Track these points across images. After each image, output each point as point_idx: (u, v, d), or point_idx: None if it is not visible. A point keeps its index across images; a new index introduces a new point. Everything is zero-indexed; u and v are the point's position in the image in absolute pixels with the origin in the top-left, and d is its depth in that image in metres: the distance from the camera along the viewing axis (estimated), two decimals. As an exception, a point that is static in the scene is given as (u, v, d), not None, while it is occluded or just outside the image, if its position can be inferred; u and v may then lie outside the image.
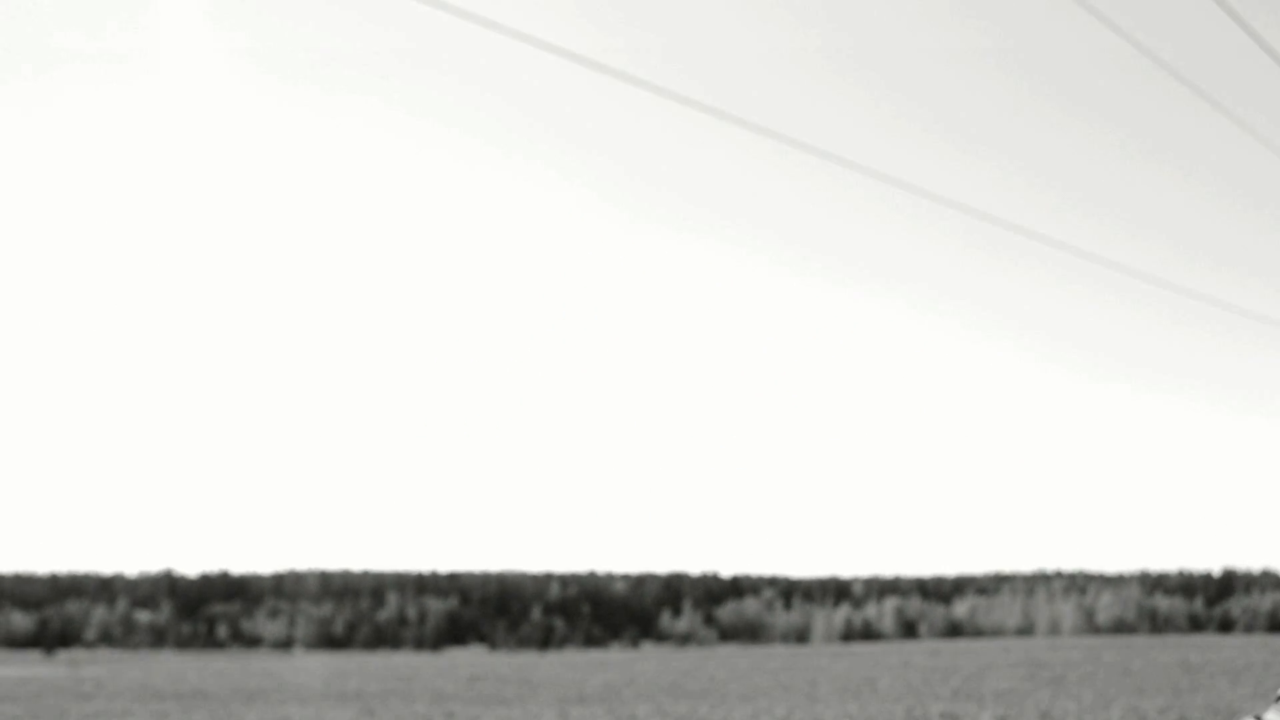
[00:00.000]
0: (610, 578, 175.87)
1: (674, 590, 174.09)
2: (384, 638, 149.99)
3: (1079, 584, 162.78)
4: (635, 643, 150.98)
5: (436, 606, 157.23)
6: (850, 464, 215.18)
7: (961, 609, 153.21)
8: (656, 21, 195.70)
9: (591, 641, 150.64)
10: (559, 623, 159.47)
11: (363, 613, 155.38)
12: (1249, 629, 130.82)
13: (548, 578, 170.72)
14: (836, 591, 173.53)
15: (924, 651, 55.98)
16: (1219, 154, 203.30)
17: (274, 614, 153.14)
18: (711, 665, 42.74)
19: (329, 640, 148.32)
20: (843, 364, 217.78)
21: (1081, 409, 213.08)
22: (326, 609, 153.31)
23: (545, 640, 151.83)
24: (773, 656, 54.51)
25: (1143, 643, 71.04)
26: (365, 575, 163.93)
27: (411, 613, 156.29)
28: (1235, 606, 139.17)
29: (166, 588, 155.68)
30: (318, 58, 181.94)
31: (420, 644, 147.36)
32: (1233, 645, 56.51)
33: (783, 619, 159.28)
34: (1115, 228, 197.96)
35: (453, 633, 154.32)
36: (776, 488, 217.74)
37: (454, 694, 26.44)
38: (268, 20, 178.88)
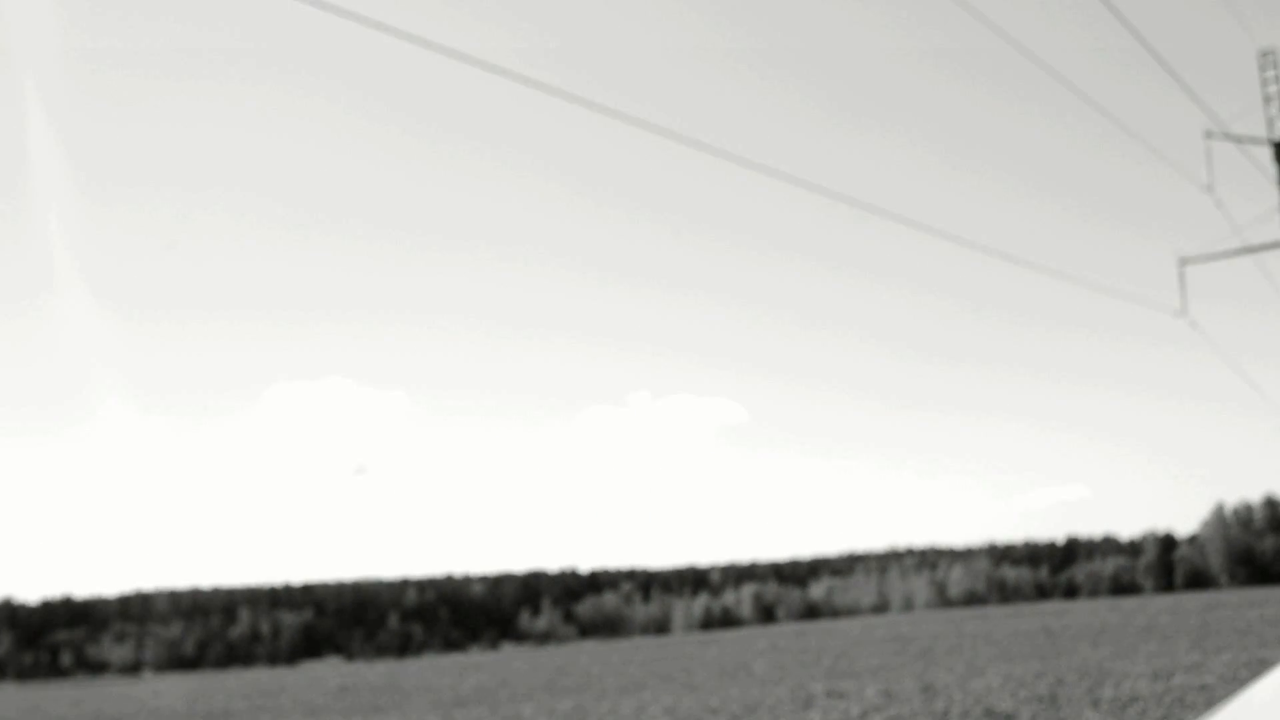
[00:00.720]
0: (468, 579, 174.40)
1: (532, 588, 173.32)
2: (237, 655, 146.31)
3: (929, 559, 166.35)
4: (495, 644, 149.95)
5: (291, 620, 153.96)
6: (701, 453, 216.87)
7: (818, 590, 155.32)
8: (555, 22, 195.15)
9: (451, 645, 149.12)
10: (417, 629, 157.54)
11: (214, 631, 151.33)
12: (1093, 593, 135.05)
13: (404, 583, 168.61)
14: (694, 580, 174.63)
15: (788, 634, 56.50)
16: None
17: (121, 638, 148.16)
18: (582, 661, 42.51)
19: (179, 661, 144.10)
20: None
21: (919, 390, 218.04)
22: (176, 629, 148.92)
23: (404, 647, 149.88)
24: (639, 649, 54.49)
25: (997, 612, 72.82)
26: (216, 592, 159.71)
27: (265, 628, 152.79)
28: (1079, 573, 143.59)
29: (6, 616, 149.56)
30: (169, 56, 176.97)
31: (275, 659, 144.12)
32: (1083, 610, 58.23)
33: (642, 611, 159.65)
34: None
35: (308, 646, 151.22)
36: (629, 479, 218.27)
37: (326, 706, 25.83)
38: (117, 20, 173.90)
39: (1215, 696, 12.39)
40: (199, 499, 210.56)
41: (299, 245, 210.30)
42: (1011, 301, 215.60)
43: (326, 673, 54.65)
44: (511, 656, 63.18)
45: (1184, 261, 47.26)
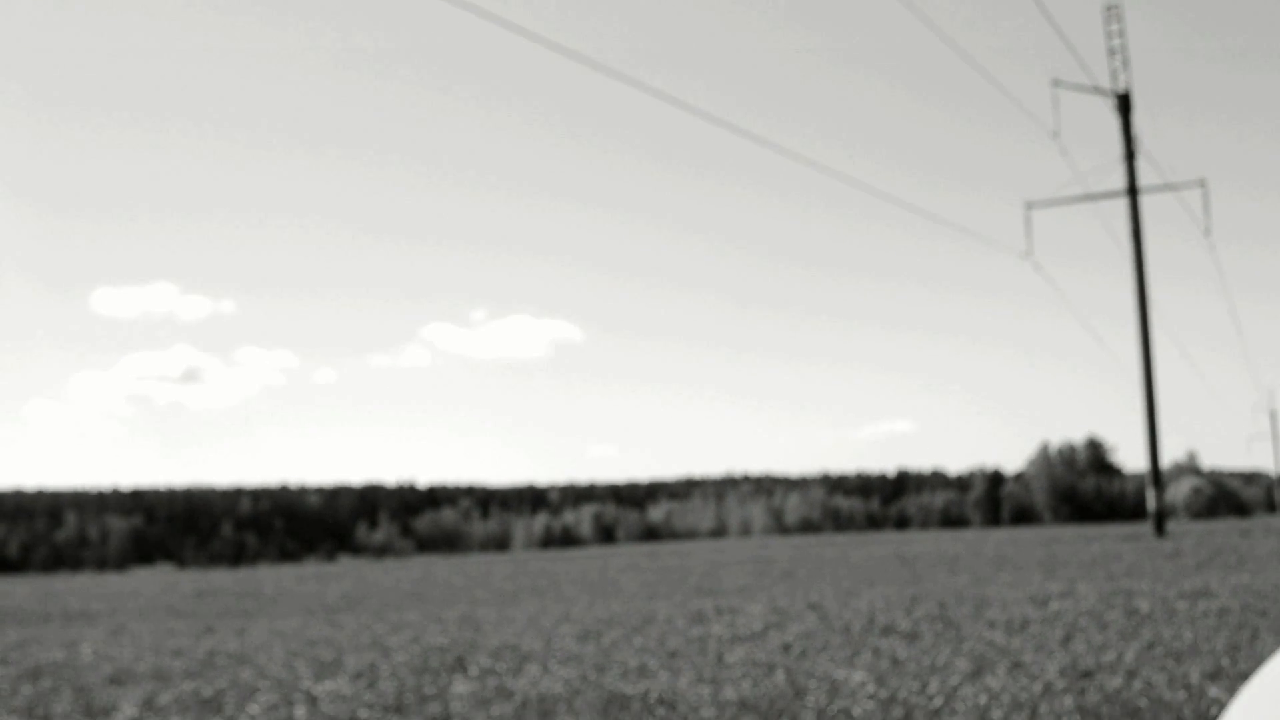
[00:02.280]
0: (303, 490, 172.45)
1: (369, 501, 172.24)
2: (63, 559, 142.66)
3: (765, 487, 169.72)
4: (331, 556, 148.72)
5: (119, 525, 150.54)
6: (542, 372, 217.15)
7: (657, 513, 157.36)
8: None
9: (286, 556, 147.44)
10: (251, 538, 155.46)
11: (39, 534, 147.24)
12: (924, 525, 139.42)
13: (237, 492, 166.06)
14: (533, 499, 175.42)
15: (640, 554, 57.20)
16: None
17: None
18: (439, 572, 42.51)
19: (2, 564, 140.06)
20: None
21: (742, 319, 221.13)
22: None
23: (237, 556, 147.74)
24: (492, 563, 54.63)
25: (841, 539, 74.71)
26: (40, 494, 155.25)
27: (93, 532, 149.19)
28: (910, 505, 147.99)
29: None
30: None
31: (103, 565, 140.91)
32: (926, 539, 60.03)
33: (480, 528, 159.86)
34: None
35: (138, 552, 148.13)
36: (469, 394, 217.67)
37: (191, 609, 25.42)
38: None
39: (1104, 621, 12.94)
40: (26, 400, 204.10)
41: (122, 143, 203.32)
42: (851, 248, 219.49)
43: (161, 579, 53.68)
44: (357, 567, 62.82)
45: (1030, 205, 48.79)
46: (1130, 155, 44.85)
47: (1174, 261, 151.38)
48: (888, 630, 13.12)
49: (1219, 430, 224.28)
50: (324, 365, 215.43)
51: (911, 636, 12.47)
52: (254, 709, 9.23)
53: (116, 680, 11.47)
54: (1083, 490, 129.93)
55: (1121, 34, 45.15)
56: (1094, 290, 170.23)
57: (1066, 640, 11.47)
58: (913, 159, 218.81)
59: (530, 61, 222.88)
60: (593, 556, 60.72)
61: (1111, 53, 45.14)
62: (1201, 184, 46.73)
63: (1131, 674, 9.05)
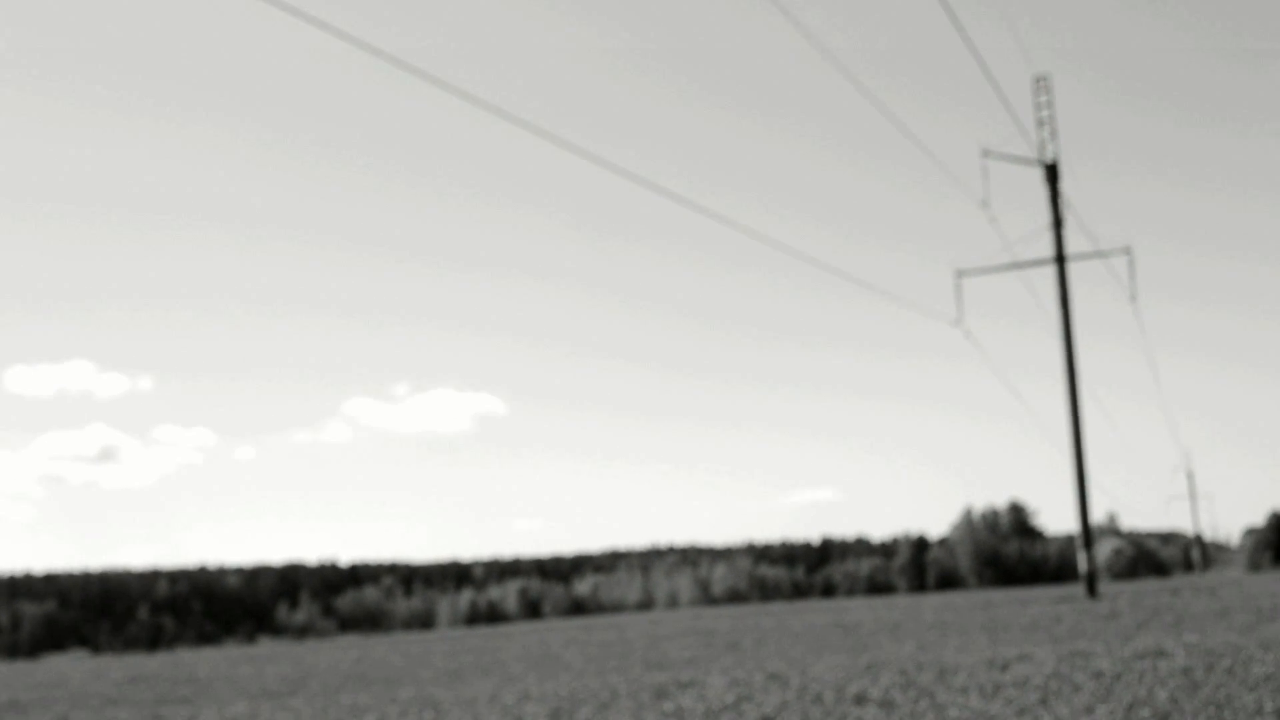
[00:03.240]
0: (222, 571, 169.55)
1: (290, 581, 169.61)
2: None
3: (691, 558, 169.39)
4: (251, 637, 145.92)
5: (32, 611, 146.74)
6: (465, 446, 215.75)
7: (583, 587, 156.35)
8: None
9: (204, 639, 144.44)
10: (169, 621, 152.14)
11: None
12: (850, 593, 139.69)
13: (154, 574, 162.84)
14: (457, 575, 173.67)
15: (575, 629, 56.72)
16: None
17: None
18: (377, 652, 41.83)
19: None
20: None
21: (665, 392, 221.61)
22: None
23: (154, 640, 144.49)
24: (427, 640, 53.92)
25: (776, 609, 74.64)
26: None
27: (3, 618, 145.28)
28: (835, 572, 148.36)
29: None
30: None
31: (14, 652, 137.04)
32: (860, 607, 60.07)
33: (404, 606, 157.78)
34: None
35: (51, 638, 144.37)
36: (391, 469, 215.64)
37: (125, 696, 24.79)
38: None
39: (1074, 683, 13.02)
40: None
41: (35, 222, 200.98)
42: (777, 313, 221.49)
43: (81, 666, 52.37)
44: (282, 649, 61.67)
45: (960, 273, 49.59)
46: (1058, 223, 45.80)
47: (1100, 322, 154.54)
48: (860, 699, 13.10)
49: (1138, 491, 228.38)
50: (243, 443, 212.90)
51: (887, 704, 12.46)
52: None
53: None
54: (1006, 554, 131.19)
55: (1050, 105, 46.27)
56: (1018, 348, 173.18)
57: (1043, 702, 11.53)
58: (842, 222, 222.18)
59: (450, 133, 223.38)
60: (524, 632, 60.15)
61: (1040, 124, 46.22)
62: (1127, 251, 47.78)
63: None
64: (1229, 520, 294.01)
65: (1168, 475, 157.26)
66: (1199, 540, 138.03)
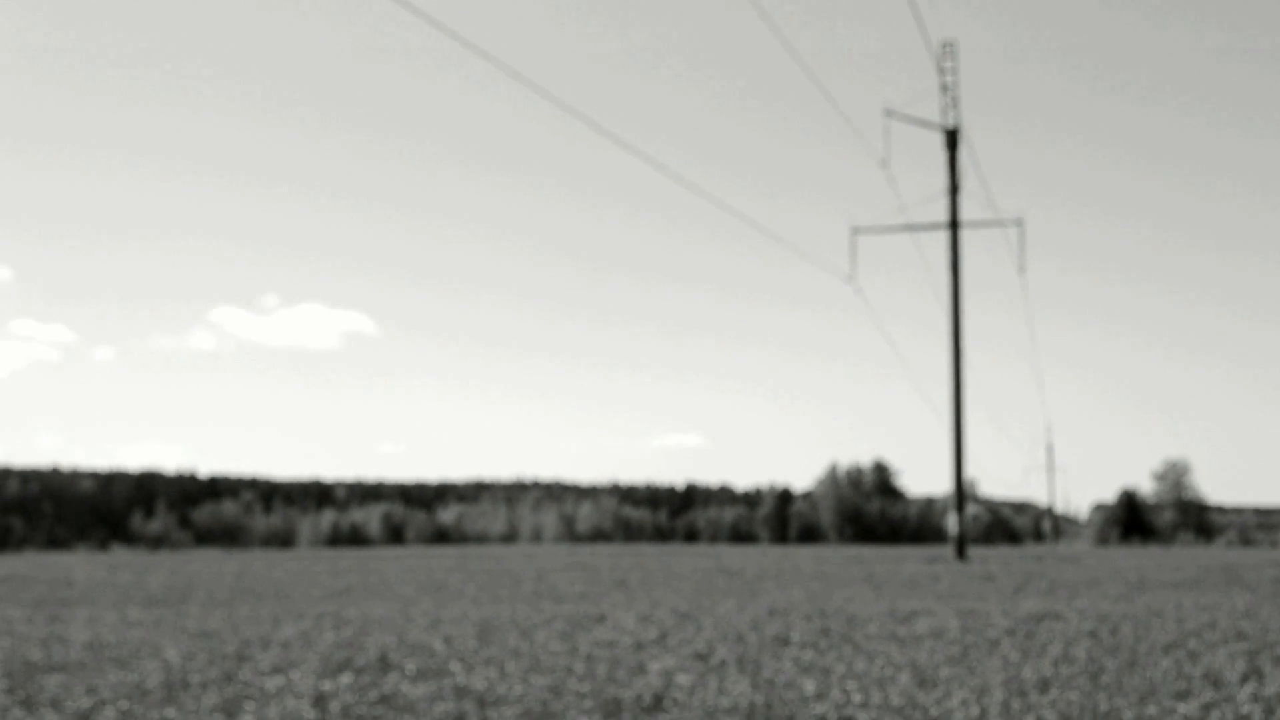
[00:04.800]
0: (76, 474, 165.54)
1: (146, 490, 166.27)
2: None
3: (555, 494, 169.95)
4: (104, 545, 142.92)
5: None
6: (332, 364, 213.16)
7: (447, 515, 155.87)
8: None
9: (55, 543, 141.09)
10: (17, 522, 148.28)
11: None
12: (713, 540, 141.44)
13: (5, 472, 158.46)
14: (319, 495, 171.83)
15: (448, 556, 56.72)
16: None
17: None
18: (256, 567, 41.45)
19: None
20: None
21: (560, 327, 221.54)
22: None
23: (2, 542, 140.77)
24: (298, 559, 53.52)
25: (650, 550, 75.35)
26: None
27: None
28: (699, 518, 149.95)
29: None
30: None
31: None
32: (732, 554, 60.87)
33: (263, 522, 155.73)
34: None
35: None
36: (256, 382, 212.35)
37: (8, 597, 24.32)
38: None
39: (989, 639, 13.41)
40: None
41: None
42: (657, 252, 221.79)
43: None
44: (138, 558, 60.70)
45: (855, 230, 50.35)
46: (954, 189, 46.64)
47: (989, 287, 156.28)
48: (783, 640, 13.40)
49: (1000, 459, 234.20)
50: (104, 343, 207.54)
51: (811, 646, 12.77)
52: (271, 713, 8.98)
53: (54, 669, 10.98)
54: (868, 512, 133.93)
55: (954, 71, 46.96)
56: (907, 307, 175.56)
57: (965, 654, 11.93)
58: (738, 166, 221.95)
59: (331, 62, 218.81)
60: (395, 556, 59.98)
61: (944, 89, 46.91)
62: (1019, 223, 48.86)
63: (1090, 689, 9.42)
64: (1079, 495, 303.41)
65: (1028, 446, 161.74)
66: (1050, 512, 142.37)
